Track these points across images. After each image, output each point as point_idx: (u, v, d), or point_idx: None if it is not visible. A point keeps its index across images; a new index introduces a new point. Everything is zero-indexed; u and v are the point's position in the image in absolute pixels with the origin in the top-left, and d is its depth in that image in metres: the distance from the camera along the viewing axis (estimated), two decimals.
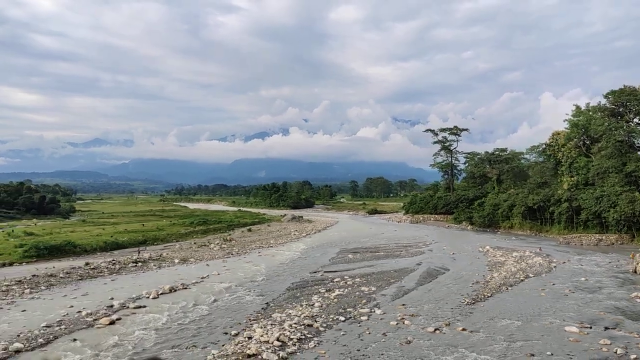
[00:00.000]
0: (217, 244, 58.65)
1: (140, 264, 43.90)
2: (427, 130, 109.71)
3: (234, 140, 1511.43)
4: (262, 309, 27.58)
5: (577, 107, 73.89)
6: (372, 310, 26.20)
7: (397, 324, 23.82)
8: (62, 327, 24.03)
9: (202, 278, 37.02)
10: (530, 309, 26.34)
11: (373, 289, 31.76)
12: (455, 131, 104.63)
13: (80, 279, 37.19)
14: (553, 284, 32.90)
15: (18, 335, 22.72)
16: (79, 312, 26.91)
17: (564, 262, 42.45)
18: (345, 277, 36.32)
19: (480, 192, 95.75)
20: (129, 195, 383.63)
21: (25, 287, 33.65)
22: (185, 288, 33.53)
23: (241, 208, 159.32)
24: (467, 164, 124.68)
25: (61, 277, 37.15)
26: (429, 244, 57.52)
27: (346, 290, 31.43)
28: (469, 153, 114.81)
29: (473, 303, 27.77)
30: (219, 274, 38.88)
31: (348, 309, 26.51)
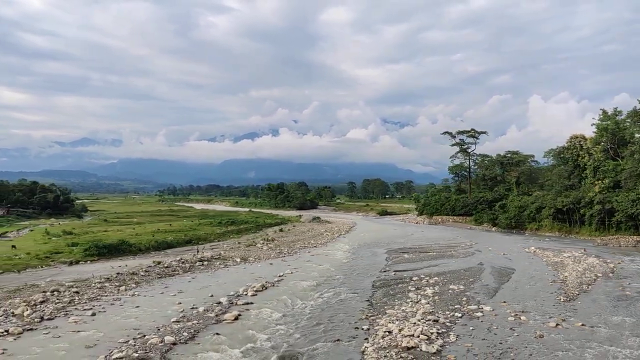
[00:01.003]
0: (262, 243, 59.53)
1: (206, 262, 44.74)
2: (445, 133, 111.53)
3: (224, 141, 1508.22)
4: (369, 305, 28.67)
5: (604, 112, 75.90)
6: (480, 307, 27.37)
7: (514, 319, 25.04)
8: (194, 322, 24.94)
9: (279, 276, 37.98)
10: (630, 307, 27.68)
11: (461, 287, 32.94)
12: (473, 134, 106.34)
13: (160, 277, 38.02)
14: (629, 283, 34.36)
15: (158, 329, 23.63)
16: (193, 308, 27.86)
17: (619, 263, 43.96)
18: (421, 275, 37.49)
19: (499, 194, 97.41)
20: (125, 195, 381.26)
21: (116, 284, 34.46)
22: (274, 286, 34.53)
23: (252, 209, 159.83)
24: (476, 166, 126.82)
25: (142, 275, 37.95)
26: (471, 245, 58.85)
27: (436, 288, 32.60)
28: (479, 155, 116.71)
29: (569, 300, 29.09)
30: (292, 273, 39.87)
31: (456, 306, 27.68)
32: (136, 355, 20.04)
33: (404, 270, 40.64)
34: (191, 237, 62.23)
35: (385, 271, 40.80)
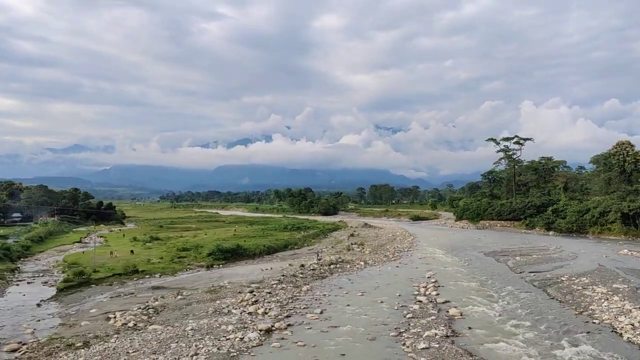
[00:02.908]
0: (359, 248, 61.51)
1: (338, 265, 46.78)
2: (489, 140, 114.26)
3: (217, 147, 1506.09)
4: (560, 302, 30.97)
5: None
6: None
7: None
8: (430, 318, 27.08)
9: (429, 278, 40.33)
10: None
11: (624, 286, 35.03)
12: (518, 140, 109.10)
13: (316, 279, 40.22)
14: None
15: (409, 325, 25.73)
16: (404, 306, 30.14)
17: None
18: (565, 276, 39.75)
19: (546, 199, 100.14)
20: (134, 202, 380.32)
21: (290, 285, 36.51)
22: (442, 287, 36.75)
23: (286, 215, 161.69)
24: (506, 171, 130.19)
25: (301, 277, 39.97)
26: (559, 249, 60.93)
27: (601, 287, 34.80)
28: (509, 161, 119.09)
29: None
30: (434, 274, 42.16)
31: None
32: (447, 345, 22.12)
33: (536, 272, 42.87)
34: (286, 242, 64.16)
35: (520, 272, 43.13)
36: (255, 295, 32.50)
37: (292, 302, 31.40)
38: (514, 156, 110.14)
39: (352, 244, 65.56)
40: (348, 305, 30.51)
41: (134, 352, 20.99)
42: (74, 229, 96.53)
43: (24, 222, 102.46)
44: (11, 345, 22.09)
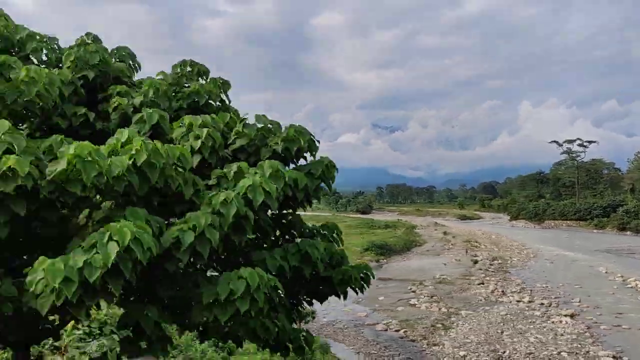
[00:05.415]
0: (483, 246, 64.34)
1: (499, 261, 49.65)
2: (552, 142, 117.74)
3: None
4: None
5: None
6: None
7: None
8: None
9: (605, 273, 43.23)
10: None
11: None
12: (582, 142, 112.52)
13: (504, 272, 43.00)
14: None
15: None
16: None
17: None
18: None
19: (609, 199, 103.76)
20: None
21: (495, 278, 39.31)
22: (637, 281, 39.66)
23: (336, 213, 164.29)
24: (552, 172, 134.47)
25: (491, 271, 42.84)
26: None
27: None
28: (570, 163, 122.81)
29: None
30: (606, 269, 44.94)
31: None
32: None
33: None
34: (410, 240, 67.26)
35: None
36: (496, 286, 35.32)
37: (528, 293, 34.22)
38: (578, 158, 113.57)
39: (467, 241, 68.39)
40: (589, 296, 33.33)
41: (501, 332, 23.76)
42: None
43: None
44: (379, 325, 24.80)
